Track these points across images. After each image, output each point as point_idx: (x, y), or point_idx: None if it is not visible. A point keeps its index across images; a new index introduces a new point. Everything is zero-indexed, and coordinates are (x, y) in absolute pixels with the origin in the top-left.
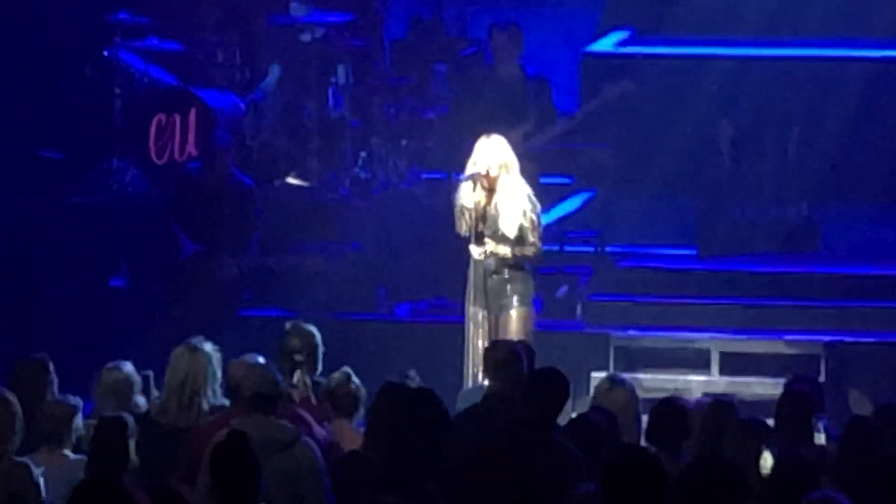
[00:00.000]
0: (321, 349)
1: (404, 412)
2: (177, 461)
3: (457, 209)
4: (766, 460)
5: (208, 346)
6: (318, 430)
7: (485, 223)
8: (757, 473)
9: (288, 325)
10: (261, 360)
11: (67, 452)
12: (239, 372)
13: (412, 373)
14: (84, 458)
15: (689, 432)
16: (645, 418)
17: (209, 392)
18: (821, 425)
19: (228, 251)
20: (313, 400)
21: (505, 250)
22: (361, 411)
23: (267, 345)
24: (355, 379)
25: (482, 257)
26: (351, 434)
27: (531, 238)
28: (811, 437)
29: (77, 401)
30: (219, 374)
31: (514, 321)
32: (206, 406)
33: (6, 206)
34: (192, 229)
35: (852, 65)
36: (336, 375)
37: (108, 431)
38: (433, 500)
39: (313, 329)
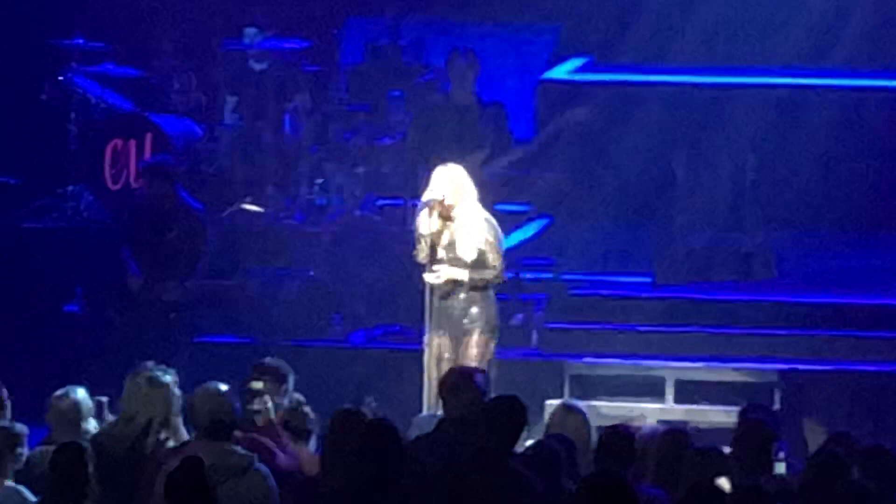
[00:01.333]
0: (291, 380)
1: (359, 442)
2: (125, 488)
3: (415, 236)
4: (724, 487)
5: (168, 378)
6: (281, 458)
7: (443, 250)
8: None
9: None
10: (222, 387)
11: (8, 482)
12: (197, 400)
13: (369, 399)
14: (17, 489)
15: (635, 458)
16: None
17: (170, 422)
18: (782, 454)
19: (174, 276)
20: (278, 427)
21: (462, 274)
22: (313, 438)
23: (221, 370)
24: (305, 406)
25: (438, 281)
26: (311, 458)
27: (491, 261)
28: (769, 466)
29: (22, 428)
30: (178, 404)
31: (474, 347)
32: (164, 436)
33: None
34: (140, 254)
35: (809, 93)
36: (291, 404)
37: (66, 458)
38: None
39: (282, 364)
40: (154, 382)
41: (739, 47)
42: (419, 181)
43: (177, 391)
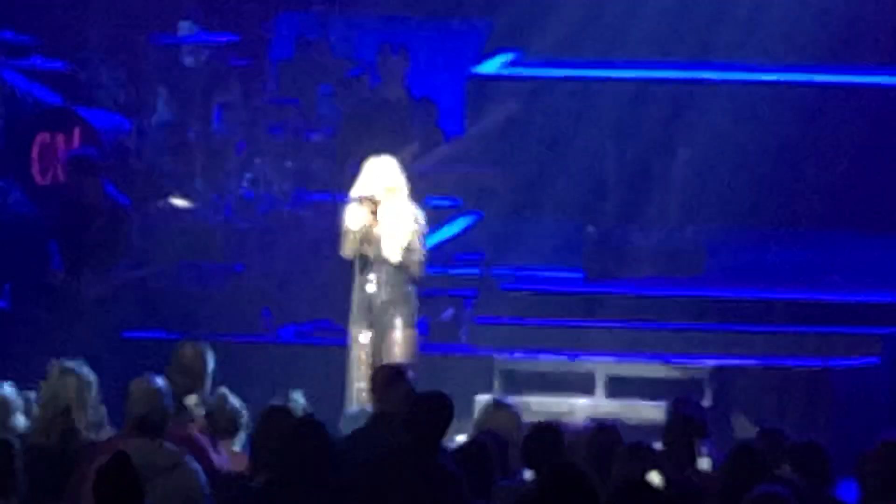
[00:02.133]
0: (210, 368)
1: (288, 439)
2: (54, 484)
3: (342, 231)
4: (654, 481)
5: (82, 369)
6: (216, 457)
7: (370, 245)
8: None
9: (182, 344)
10: (158, 381)
11: None
12: (133, 392)
13: (297, 395)
14: None
15: (563, 453)
16: None
17: (84, 414)
18: (704, 449)
19: (95, 270)
20: (205, 425)
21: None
22: (241, 433)
23: (148, 366)
24: (233, 400)
25: (376, 289)
26: (236, 456)
27: (416, 256)
28: (696, 460)
29: None
30: (93, 395)
31: (399, 343)
32: (83, 427)
33: None
34: (63, 248)
35: (739, 88)
36: (216, 400)
37: None
38: None
39: (203, 348)
40: (65, 371)
41: (669, 42)
42: (348, 176)
43: (91, 378)
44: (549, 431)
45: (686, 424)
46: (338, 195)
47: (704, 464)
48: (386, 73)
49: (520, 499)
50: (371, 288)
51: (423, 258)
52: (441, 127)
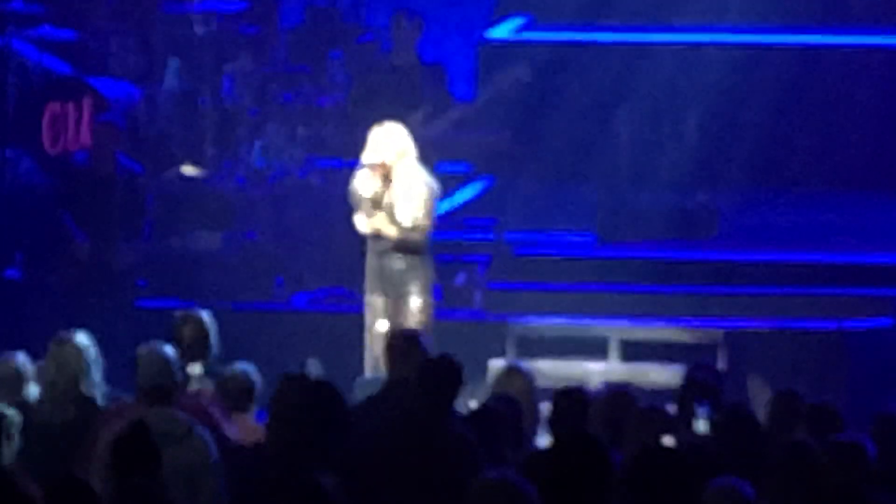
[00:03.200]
0: (213, 335)
1: (304, 406)
2: (64, 452)
3: (353, 197)
4: (668, 444)
5: (80, 338)
6: (227, 427)
7: (380, 210)
8: None
9: (178, 313)
10: (166, 349)
11: None
12: (142, 361)
13: (312, 362)
14: None
15: (590, 421)
16: (542, 406)
17: (87, 382)
18: (702, 411)
19: (118, 239)
20: (212, 393)
21: (391, 231)
22: (254, 405)
23: (163, 334)
24: (252, 376)
25: (369, 230)
26: (250, 427)
27: (422, 223)
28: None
29: None
30: (93, 364)
31: (414, 310)
32: (91, 395)
33: None
34: (81, 218)
35: (752, 53)
36: (231, 372)
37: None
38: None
39: (204, 316)
40: (60, 342)
41: (682, 6)
42: (360, 142)
43: (91, 348)
44: (576, 397)
45: (702, 389)
46: (350, 161)
47: (703, 426)
48: (398, 41)
49: (533, 462)
50: (385, 255)
51: (424, 234)
52: (452, 92)
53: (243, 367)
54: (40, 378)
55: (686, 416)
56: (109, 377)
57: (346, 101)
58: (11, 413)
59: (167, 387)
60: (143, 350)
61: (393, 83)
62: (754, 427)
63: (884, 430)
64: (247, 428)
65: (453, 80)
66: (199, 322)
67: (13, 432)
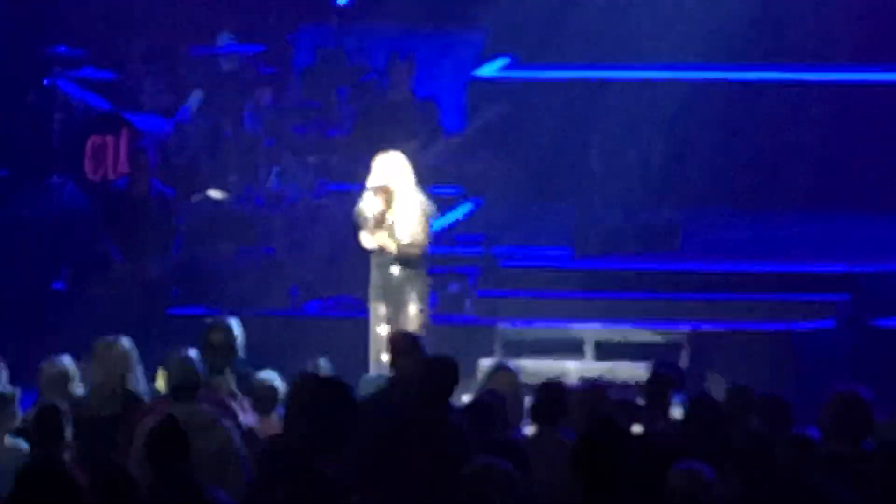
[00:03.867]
0: (239, 339)
1: (317, 402)
2: (109, 444)
3: (359, 217)
4: (636, 431)
5: (124, 341)
6: (244, 418)
7: (383, 229)
8: None
9: (209, 320)
10: (191, 352)
11: (7, 438)
12: (168, 363)
13: (323, 362)
14: (19, 440)
15: (567, 411)
16: (527, 399)
17: (130, 381)
18: (676, 399)
19: (152, 255)
20: (236, 391)
21: (391, 246)
22: (272, 398)
23: (192, 338)
24: (277, 383)
25: (373, 246)
26: (270, 422)
27: (419, 239)
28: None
29: (13, 391)
30: (136, 364)
31: (412, 316)
32: (135, 389)
33: None
34: (119, 237)
35: (704, 86)
36: (259, 381)
37: (46, 417)
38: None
39: (233, 322)
40: (108, 344)
41: (646, 47)
42: (364, 169)
43: (132, 350)
44: (556, 391)
45: (666, 383)
46: (355, 185)
47: (677, 413)
48: (394, 78)
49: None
50: (387, 267)
51: (423, 249)
52: (443, 124)
53: (268, 375)
54: (84, 377)
55: (653, 407)
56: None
57: (351, 132)
58: (64, 407)
59: (192, 385)
60: (171, 353)
61: (390, 116)
62: (718, 415)
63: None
64: (272, 428)
65: (444, 114)
66: (228, 328)
67: (65, 425)
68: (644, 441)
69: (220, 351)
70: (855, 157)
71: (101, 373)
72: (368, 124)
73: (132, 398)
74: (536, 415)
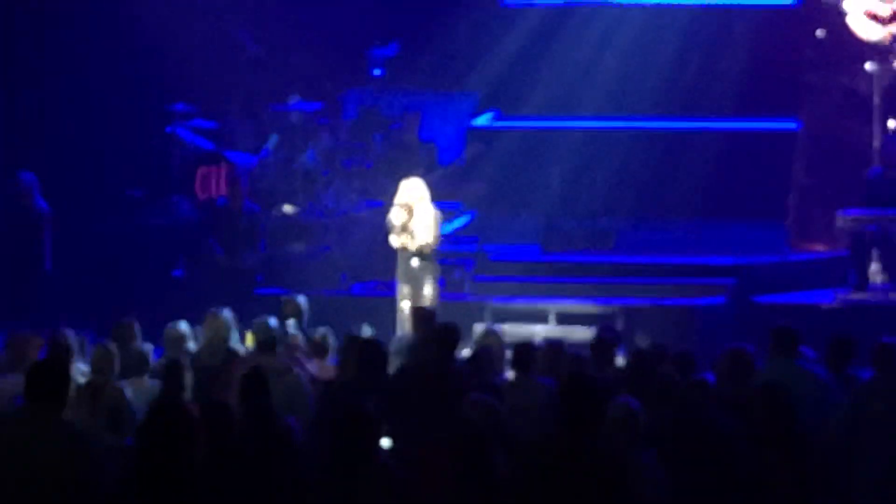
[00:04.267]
0: (306, 312)
1: (361, 354)
2: (212, 386)
3: (389, 224)
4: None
5: (226, 312)
6: (309, 367)
7: (406, 233)
8: None
9: (284, 298)
10: (271, 320)
11: (147, 379)
12: (254, 328)
13: (365, 327)
14: (156, 382)
15: (536, 362)
16: (508, 353)
17: (230, 341)
18: (620, 354)
19: (244, 251)
20: (303, 346)
21: (413, 246)
22: (329, 352)
23: (271, 310)
24: (330, 335)
25: (399, 245)
26: (328, 369)
27: (431, 240)
28: (613, 363)
29: (150, 347)
30: (234, 329)
31: (427, 294)
32: (234, 348)
33: (105, 228)
34: (220, 239)
35: (635, 133)
36: (316, 333)
37: (172, 368)
38: (368, 415)
39: (301, 299)
40: (215, 315)
41: (599, 102)
42: (383, 190)
43: (231, 319)
44: (527, 347)
45: (606, 341)
46: (387, 202)
47: (620, 362)
48: (405, 126)
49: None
50: (408, 260)
51: (433, 246)
52: (443, 159)
53: (323, 329)
54: (196, 338)
55: (598, 359)
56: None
57: (373, 165)
58: (185, 361)
59: (271, 343)
60: (256, 321)
61: (402, 154)
62: (649, 364)
63: (717, 366)
64: (324, 368)
65: (447, 152)
66: (297, 303)
67: (186, 374)
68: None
69: (292, 318)
70: (737, 183)
71: (209, 335)
72: (387, 159)
73: (230, 353)
74: (515, 364)
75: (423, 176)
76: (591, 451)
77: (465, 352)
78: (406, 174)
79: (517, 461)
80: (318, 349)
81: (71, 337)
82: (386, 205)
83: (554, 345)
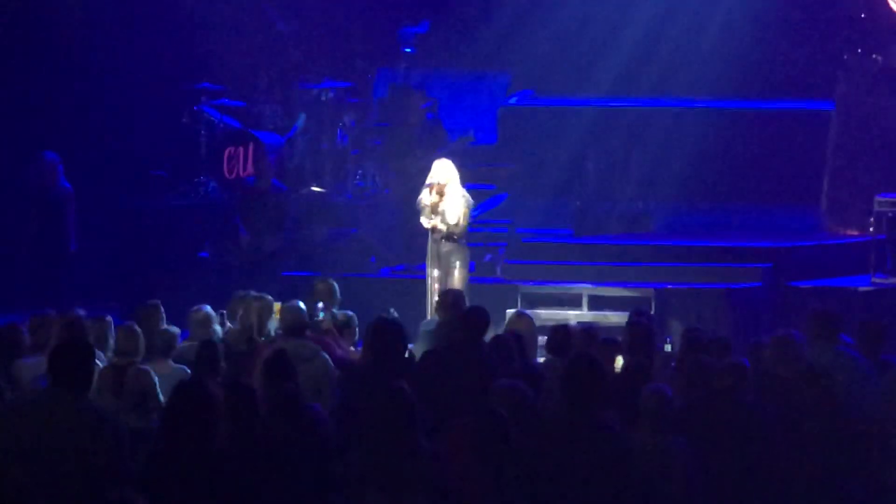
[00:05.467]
0: (337, 295)
1: (386, 337)
2: (241, 370)
3: (419, 206)
4: (619, 363)
5: (265, 296)
6: (338, 351)
7: (436, 214)
8: (613, 371)
9: (317, 279)
10: (299, 304)
11: (171, 363)
12: (283, 311)
13: (392, 310)
14: (182, 367)
15: (571, 345)
16: (541, 338)
17: (266, 327)
18: (669, 339)
19: (271, 232)
20: (334, 330)
21: (442, 227)
22: (356, 336)
23: (299, 292)
24: (353, 319)
25: (429, 226)
26: (355, 352)
27: (461, 222)
28: (653, 347)
29: (176, 329)
30: (271, 313)
31: (457, 278)
32: (266, 333)
33: (131, 208)
34: (247, 220)
35: (681, 112)
36: (341, 316)
37: (206, 350)
38: (410, 397)
39: (333, 282)
40: (249, 298)
41: (633, 82)
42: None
43: (268, 303)
44: (562, 331)
45: (641, 326)
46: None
47: (668, 348)
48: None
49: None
50: (438, 242)
51: (463, 229)
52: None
53: (348, 313)
54: (221, 321)
55: (631, 344)
56: None
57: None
58: (220, 343)
59: (298, 326)
60: (284, 304)
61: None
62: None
63: (756, 353)
64: (350, 351)
65: (481, 131)
66: (329, 285)
67: (220, 356)
68: (625, 369)
69: (324, 298)
70: (775, 165)
71: (242, 319)
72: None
73: (257, 337)
74: (550, 348)
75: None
76: (593, 429)
77: (494, 335)
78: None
79: (529, 439)
80: (343, 332)
81: (85, 319)
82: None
83: (587, 329)
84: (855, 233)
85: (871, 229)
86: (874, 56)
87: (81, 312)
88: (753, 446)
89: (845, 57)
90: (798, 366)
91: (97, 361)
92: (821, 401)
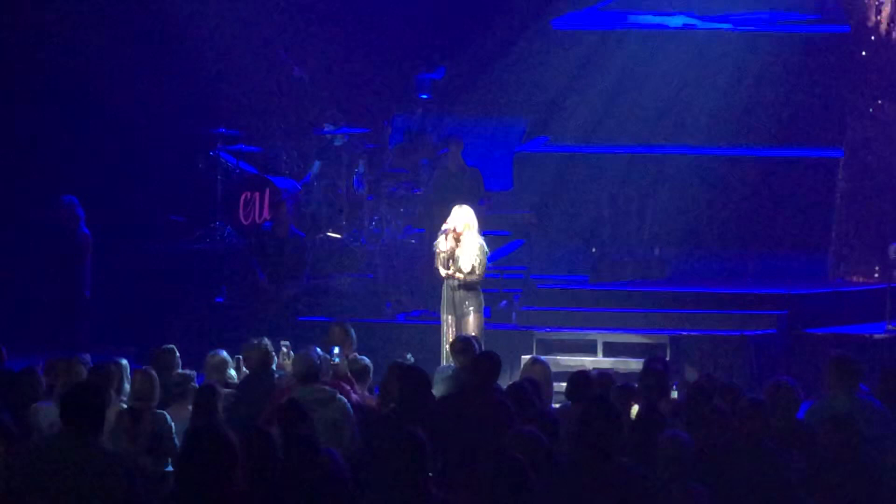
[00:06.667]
0: (353, 339)
1: (404, 382)
2: (256, 411)
3: (435, 252)
4: (634, 409)
5: (265, 341)
6: (354, 396)
7: (452, 261)
8: (629, 418)
9: (333, 323)
10: (315, 349)
11: (189, 407)
12: (296, 358)
13: (409, 355)
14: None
15: (591, 392)
16: (555, 385)
17: (270, 370)
18: (674, 386)
19: (289, 278)
20: (349, 376)
21: (460, 275)
22: (370, 381)
23: (314, 338)
24: (368, 364)
25: (446, 276)
26: (370, 397)
27: (477, 270)
28: (667, 395)
29: (192, 373)
30: (274, 359)
31: (471, 324)
32: (274, 377)
33: (149, 252)
34: (264, 265)
35: (690, 159)
36: (356, 362)
37: (204, 393)
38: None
39: (349, 327)
40: (258, 344)
41: (648, 129)
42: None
43: (270, 348)
44: (582, 377)
45: (656, 373)
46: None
47: (674, 395)
48: (450, 155)
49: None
50: (454, 289)
51: (479, 277)
52: (484, 185)
53: (364, 359)
54: (237, 366)
55: (648, 389)
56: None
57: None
58: (219, 387)
59: (312, 372)
60: (300, 351)
61: (447, 181)
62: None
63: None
64: (365, 397)
65: (494, 177)
66: (344, 329)
67: (218, 399)
68: (641, 416)
69: (339, 343)
70: (784, 215)
71: (250, 364)
72: (436, 188)
73: (272, 382)
74: (570, 393)
75: (471, 203)
76: (609, 473)
77: (511, 383)
78: (452, 201)
79: (545, 484)
80: (359, 377)
81: (88, 363)
82: (428, 232)
83: (604, 376)
84: (860, 280)
85: (876, 276)
86: (880, 102)
87: (87, 357)
88: (775, 494)
89: (854, 104)
90: (792, 413)
91: (121, 404)
92: (843, 448)
